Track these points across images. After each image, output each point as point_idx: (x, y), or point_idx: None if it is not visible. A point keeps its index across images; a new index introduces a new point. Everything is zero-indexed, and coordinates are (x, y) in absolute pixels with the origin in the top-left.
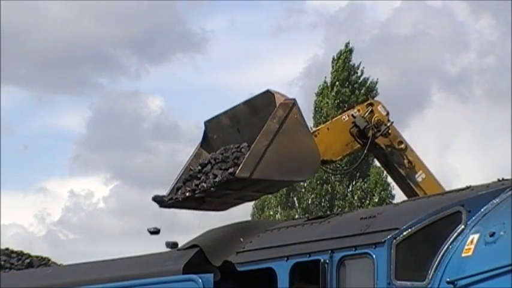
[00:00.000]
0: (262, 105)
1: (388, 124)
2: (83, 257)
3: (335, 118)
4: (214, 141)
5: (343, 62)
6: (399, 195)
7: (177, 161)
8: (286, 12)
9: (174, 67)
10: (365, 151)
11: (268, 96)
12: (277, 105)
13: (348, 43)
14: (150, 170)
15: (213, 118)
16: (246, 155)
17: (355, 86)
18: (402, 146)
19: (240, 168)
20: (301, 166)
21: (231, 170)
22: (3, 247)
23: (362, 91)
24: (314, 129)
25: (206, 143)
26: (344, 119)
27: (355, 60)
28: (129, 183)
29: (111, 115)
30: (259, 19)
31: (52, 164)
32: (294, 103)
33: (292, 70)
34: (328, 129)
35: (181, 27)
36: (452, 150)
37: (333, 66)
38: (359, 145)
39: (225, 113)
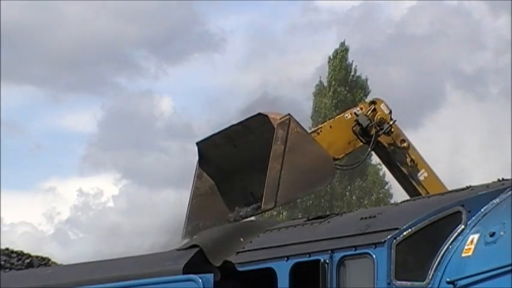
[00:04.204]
0: (257, 125)
1: (391, 122)
2: (91, 256)
3: (338, 116)
4: (212, 159)
5: (340, 61)
6: (397, 194)
7: (188, 160)
8: (301, 10)
9: (191, 67)
10: (369, 149)
11: (261, 117)
12: (275, 126)
13: (343, 42)
14: (160, 169)
15: (205, 139)
16: (265, 186)
17: (351, 85)
18: (405, 144)
19: (263, 202)
20: (319, 175)
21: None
22: (3, 247)
23: (357, 90)
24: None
25: (204, 162)
26: (347, 117)
27: (361, 60)
28: (139, 182)
29: (123, 115)
30: (275, 18)
31: (63, 163)
32: (289, 118)
33: (306, 70)
34: (330, 127)
35: (200, 28)
36: (466, 150)
37: (329, 66)
38: (361, 143)
39: (217, 133)
